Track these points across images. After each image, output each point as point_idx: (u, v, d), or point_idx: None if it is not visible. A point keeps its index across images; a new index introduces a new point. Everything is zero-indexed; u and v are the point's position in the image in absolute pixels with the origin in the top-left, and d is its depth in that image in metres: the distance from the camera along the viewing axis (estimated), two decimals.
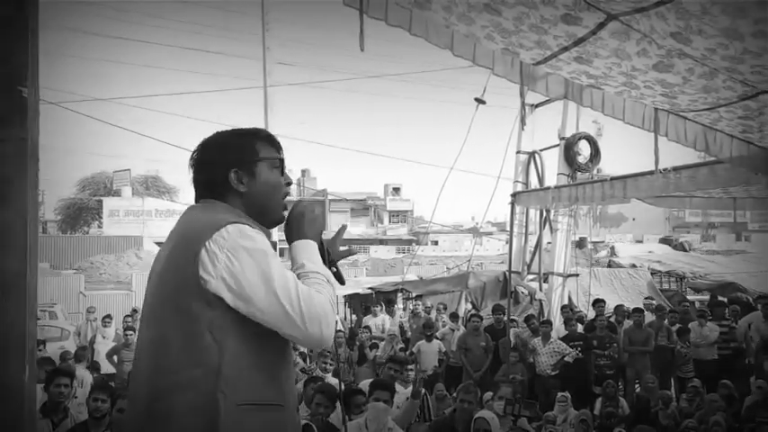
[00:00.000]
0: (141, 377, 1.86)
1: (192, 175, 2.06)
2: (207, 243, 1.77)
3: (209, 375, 1.74)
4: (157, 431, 1.75)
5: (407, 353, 10.45)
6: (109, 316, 13.10)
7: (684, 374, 9.99)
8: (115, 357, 10.66)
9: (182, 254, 1.81)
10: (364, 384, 6.93)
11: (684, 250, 21.94)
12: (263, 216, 2.01)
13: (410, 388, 6.89)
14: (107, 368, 10.80)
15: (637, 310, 11.00)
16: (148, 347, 1.86)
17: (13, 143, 1.68)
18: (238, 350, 1.78)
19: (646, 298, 14.50)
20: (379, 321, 12.76)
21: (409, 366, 7.52)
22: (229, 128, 2.12)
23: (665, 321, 10.98)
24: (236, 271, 1.76)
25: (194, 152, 2.06)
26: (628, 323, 10.78)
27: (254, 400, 1.79)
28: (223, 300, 1.77)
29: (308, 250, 1.96)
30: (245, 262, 1.77)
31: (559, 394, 7.93)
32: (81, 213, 50.99)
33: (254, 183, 2.00)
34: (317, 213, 2.08)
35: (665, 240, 23.65)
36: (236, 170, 1.99)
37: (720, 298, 14.53)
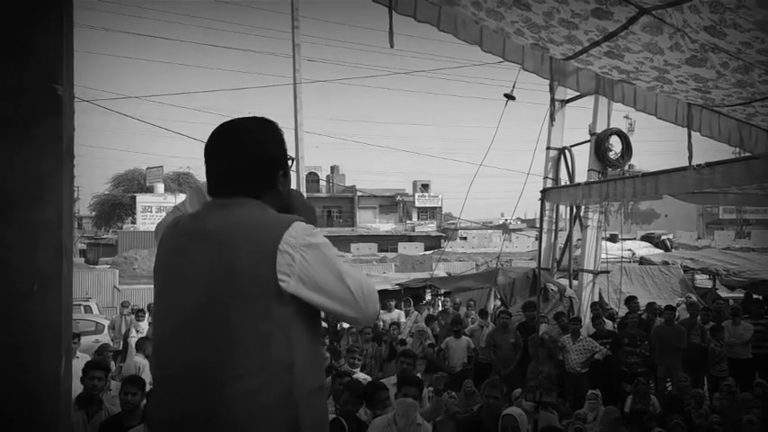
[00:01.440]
0: (201, 384, 1.77)
1: (221, 166, 1.95)
2: (280, 245, 1.78)
3: (285, 371, 1.78)
4: None
5: (436, 349, 10.45)
6: (142, 310, 13.30)
7: (718, 373, 9.83)
8: (148, 350, 10.80)
9: (252, 257, 1.78)
10: (388, 380, 6.96)
11: (666, 249, 21.27)
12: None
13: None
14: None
15: (669, 307, 10.87)
16: (205, 355, 1.78)
17: (49, 140, 1.71)
18: (303, 342, 1.83)
19: (685, 295, 14.31)
20: (395, 316, 12.77)
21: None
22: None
23: (699, 319, 10.83)
24: (311, 267, 1.80)
25: (233, 143, 1.95)
26: (659, 321, 10.64)
27: (316, 385, 1.86)
28: (297, 297, 1.79)
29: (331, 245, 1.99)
30: (317, 257, 1.81)
31: (590, 392, 7.86)
32: (115, 209, 51.80)
33: (285, 181, 2.02)
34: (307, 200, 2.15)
35: (646, 238, 23.03)
36: (282, 170, 2.00)
37: (755, 296, 14.25)
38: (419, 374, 7.99)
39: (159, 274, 1.97)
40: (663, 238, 23.37)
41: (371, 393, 6.01)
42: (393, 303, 13.17)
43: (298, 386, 1.78)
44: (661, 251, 21.54)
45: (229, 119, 2.03)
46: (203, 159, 1.99)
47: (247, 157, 1.94)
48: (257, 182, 1.94)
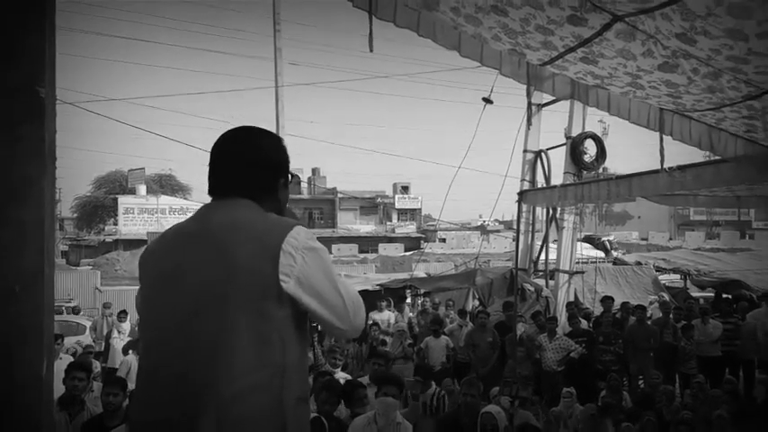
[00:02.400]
0: (190, 384, 1.73)
1: (225, 168, 1.96)
2: (283, 245, 1.77)
3: (277, 375, 1.76)
4: None
5: (416, 349, 10.46)
6: (124, 311, 13.15)
7: (688, 371, 9.94)
8: (131, 352, 10.70)
9: (254, 257, 1.76)
10: (365, 379, 6.97)
11: (606, 250, 21.28)
12: None
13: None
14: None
15: (640, 307, 10.96)
16: (201, 352, 1.74)
17: (31, 142, 1.69)
18: (294, 347, 1.81)
19: (657, 294, 14.43)
20: (385, 317, 12.75)
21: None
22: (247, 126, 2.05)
23: (671, 318, 10.94)
24: (309, 271, 1.80)
25: (240, 148, 1.97)
26: (633, 320, 10.73)
27: (302, 394, 1.85)
28: (294, 299, 1.78)
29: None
30: (316, 261, 1.81)
31: (564, 390, 7.90)
32: (97, 211, 51.27)
33: (285, 192, 2.04)
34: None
35: (587, 239, 23.14)
36: (283, 179, 2.02)
37: (725, 295, 14.44)
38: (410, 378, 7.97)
39: (153, 275, 1.93)
40: (603, 239, 23.22)
41: (350, 392, 6.00)
42: (384, 304, 13.13)
43: (287, 391, 1.77)
44: (602, 253, 21.56)
45: (233, 126, 2.05)
46: (209, 160, 1.98)
47: (253, 161, 1.95)
48: (259, 186, 1.95)
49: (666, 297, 13.74)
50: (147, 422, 1.81)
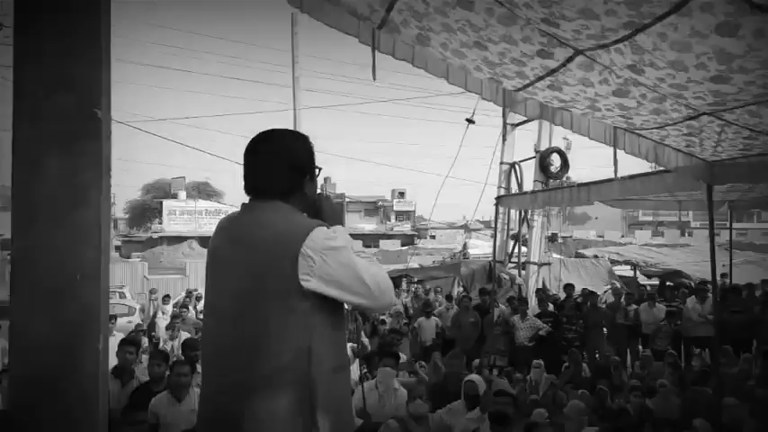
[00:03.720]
0: (232, 367, 1.76)
1: (255, 170, 1.90)
2: (302, 249, 1.73)
3: (303, 355, 1.73)
4: (265, 407, 1.71)
5: (410, 327, 10.45)
6: (167, 296, 13.16)
7: (659, 347, 9.83)
8: (171, 330, 10.67)
9: (277, 260, 1.74)
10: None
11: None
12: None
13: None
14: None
15: (592, 293, 10.93)
16: (240, 341, 1.76)
17: (91, 156, 1.70)
18: (323, 328, 1.78)
19: (610, 282, 14.41)
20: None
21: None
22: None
23: (622, 302, 10.92)
24: (330, 268, 1.75)
25: (270, 149, 1.91)
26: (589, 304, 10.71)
27: (336, 364, 1.82)
28: (318, 293, 1.75)
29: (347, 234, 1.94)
30: (336, 259, 1.76)
31: (534, 361, 7.90)
32: (145, 213, 51.23)
33: (312, 186, 1.98)
34: (337, 204, 2.10)
35: (515, 237, 23.12)
36: (309, 176, 1.96)
37: (668, 283, 14.44)
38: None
39: (208, 269, 1.94)
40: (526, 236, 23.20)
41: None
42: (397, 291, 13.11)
43: (315, 366, 1.74)
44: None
45: (268, 129, 1.98)
46: (243, 161, 1.94)
47: (280, 162, 1.89)
48: (286, 184, 1.89)
49: (618, 284, 13.73)
50: (210, 392, 1.85)
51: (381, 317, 10.89)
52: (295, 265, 1.73)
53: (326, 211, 1.99)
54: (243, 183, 1.94)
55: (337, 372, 1.83)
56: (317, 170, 2.00)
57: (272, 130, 1.97)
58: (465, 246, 27.06)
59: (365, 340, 7.67)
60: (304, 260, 1.73)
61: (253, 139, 1.94)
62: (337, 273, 1.76)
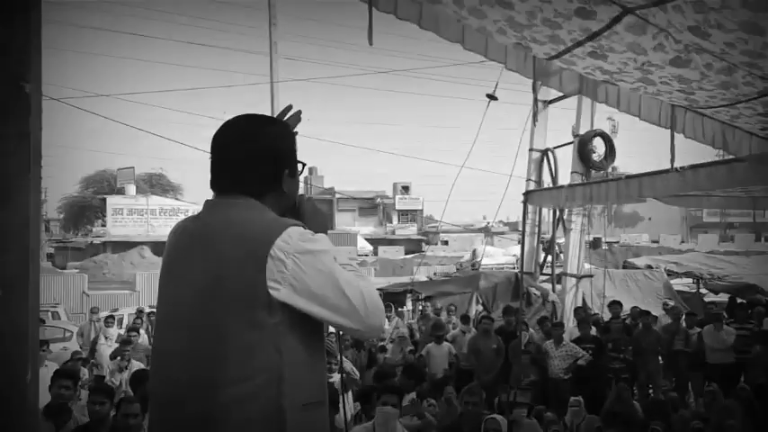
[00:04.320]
0: (184, 391, 1.78)
1: (223, 161, 1.92)
2: (271, 251, 1.73)
3: (273, 381, 1.73)
4: None
5: (416, 356, 10.46)
6: (112, 316, 13.15)
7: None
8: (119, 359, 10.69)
9: (241, 264, 1.74)
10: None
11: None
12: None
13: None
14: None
15: (645, 312, 10.94)
16: (193, 360, 1.78)
17: (15, 140, 1.69)
18: (296, 352, 1.78)
19: (663, 300, 14.43)
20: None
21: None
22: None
23: (683, 324, 10.94)
24: (305, 275, 1.75)
25: (239, 137, 1.93)
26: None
27: (312, 399, 1.81)
28: (289, 306, 1.75)
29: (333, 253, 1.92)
30: (312, 264, 1.76)
31: (572, 398, 7.90)
32: (84, 212, 51.23)
33: (292, 182, 1.98)
34: (323, 209, 2.12)
35: (548, 243, 23.03)
36: (288, 170, 1.95)
37: (740, 300, 14.44)
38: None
39: (162, 274, 1.96)
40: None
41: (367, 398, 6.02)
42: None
43: (288, 398, 1.75)
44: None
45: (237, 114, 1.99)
46: (210, 153, 1.95)
47: (251, 151, 1.90)
48: (260, 179, 1.90)
49: (672, 302, 13.72)
50: (162, 419, 1.87)
51: (381, 343, 10.91)
52: (262, 270, 1.72)
53: (308, 214, 1.99)
54: (209, 178, 1.95)
55: (314, 408, 1.83)
56: (299, 166, 2.01)
57: (246, 116, 1.98)
58: (474, 254, 27.22)
59: (348, 365, 7.68)
60: (273, 263, 1.73)
61: (222, 125, 1.95)
62: (313, 281, 1.75)
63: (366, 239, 50.26)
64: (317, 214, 2.02)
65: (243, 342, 1.73)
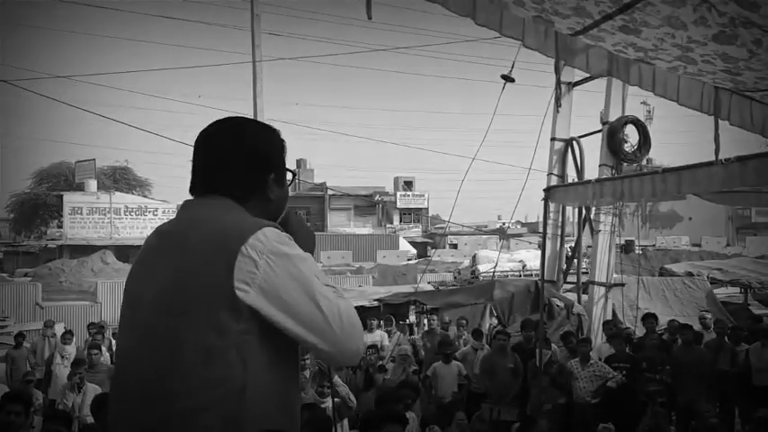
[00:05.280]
0: (139, 402, 1.83)
1: (204, 162, 2.02)
2: (243, 248, 1.78)
3: (232, 395, 1.77)
4: None
5: (422, 376, 10.47)
6: (70, 332, 13.16)
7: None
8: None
9: (208, 259, 1.79)
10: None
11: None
12: None
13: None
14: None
15: (685, 326, 10.92)
16: (151, 366, 1.82)
17: None
18: (262, 369, 1.81)
19: (700, 312, 14.44)
20: (377, 338, 12.75)
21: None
22: (229, 112, 2.14)
23: (727, 340, 10.94)
24: (276, 279, 1.79)
25: (223, 138, 2.02)
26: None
27: (276, 426, 1.83)
28: (256, 312, 1.78)
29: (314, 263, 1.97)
30: (286, 268, 1.81)
31: (601, 426, 7.91)
32: (38, 210, 51.24)
33: (280, 191, 2.06)
34: (309, 226, 2.21)
35: (574, 247, 22.94)
36: (274, 175, 2.03)
37: None
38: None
39: (130, 278, 2.02)
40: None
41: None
42: (375, 323, 13.12)
43: (250, 414, 1.77)
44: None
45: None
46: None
47: (234, 153, 1.98)
48: (243, 183, 1.98)
49: (709, 315, 13.68)
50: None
51: (380, 362, 10.91)
52: (231, 268, 1.77)
53: (294, 228, 2.05)
54: (190, 180, 2.04)
55: (283, 427, 1.84)
56: (288, 174, 2.10)
57: (232, 117, 2.09)
58: (475, 259, 27.29)
59: (343, 390, 7.66)
60: (244, 262, 1.77)
61: (206, 126, 2.05)
62: (284, 287, 1.79)
63: (409, 242, 50.37)
64: (303, 230, 2.09)
65: (201, 346, 1.77)
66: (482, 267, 25.96)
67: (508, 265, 26.50)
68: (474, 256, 28.03)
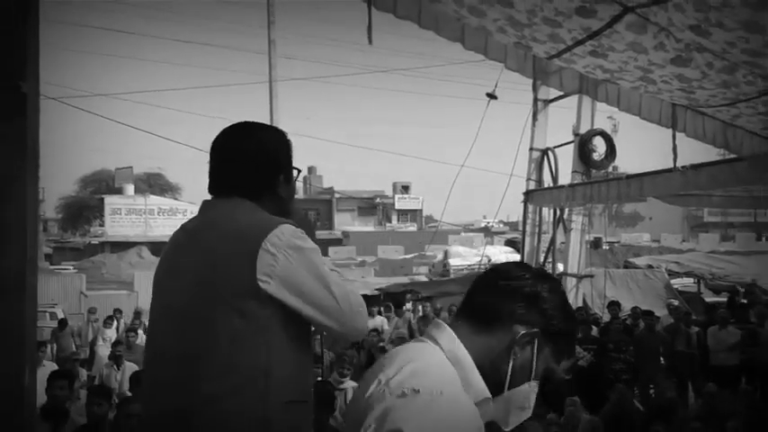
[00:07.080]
0: (171, 383, 1.82)
1: (219, 165, 2.02)
2: (264, 243, 1.79)
3: (260, 377, 1.78)
4: None
5: None
6: (110, 317, 13.16)
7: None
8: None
9: (233, 254, 1.80)
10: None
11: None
12: None
13: None
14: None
15: (647, 312, 10.91)
16: (183, 353, 1.81)
17: (13, 140, 1.68)
18: (284, 349, 1.82)
19: (666, 300, 14.41)
20: (378, 323, 12.71)
21: None
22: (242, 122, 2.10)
23: (684, 325, 10.92)
24: (293, 270, 1.81)
25: (236, 143, 2.03)
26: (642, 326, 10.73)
27: (297, 397, 1.85)
28: (277, 300, 1.80)
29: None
30: (302, 261, 1.83)
31: (568, 399, 7.88)
32: (82, 212, 51.23)
33: (288, 189, 2.07)
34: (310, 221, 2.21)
35: (510, 243, 22.78)
36: (283, 174, 2.04)
37: (742, 300, 14.42)
38: None
39: (156, 271, 2.02)
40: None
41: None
42: (376, 310, 13.09)
43: (274, 394, 1.78)
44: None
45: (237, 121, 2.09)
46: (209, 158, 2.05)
47: (249, 156, 1.99)
48: (256, 182, 1.98)
49: (675, 302, 13.70)
50: (151, 415, 1.91)
51: (381, 344, 10.89)
52: (254, 264, 1.78)
53: (297, 222, 2.05)
54: (208, 182, 2.04)
55: (299, 405, 1.87)
56: (294, 171, 2.10)
57: (244, 122, 2.10)
58: (446, 255, 27.21)
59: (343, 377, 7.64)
60: (265, 257, 1.79)
61: (221, 131, 2.06)
62: (301, 276, 1.82)
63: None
64: (304, 224, 2.07)
65: (231, 332, 1.77)
66: (452, 261, 25.99)
67: (475, 259, 26.43)
68: (446, 252, 27.93)
